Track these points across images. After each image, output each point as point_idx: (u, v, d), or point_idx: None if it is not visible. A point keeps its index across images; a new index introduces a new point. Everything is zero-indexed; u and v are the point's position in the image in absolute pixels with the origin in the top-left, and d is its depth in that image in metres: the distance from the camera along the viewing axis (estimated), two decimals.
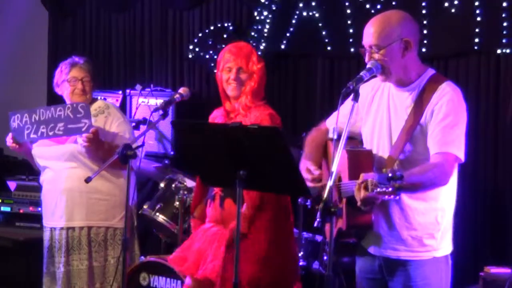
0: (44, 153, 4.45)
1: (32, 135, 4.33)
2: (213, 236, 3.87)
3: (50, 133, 4.29)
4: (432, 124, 3.10)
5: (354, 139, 3.37)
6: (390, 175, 2.78)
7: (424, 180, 3.00)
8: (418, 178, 2.96)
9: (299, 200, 4.38)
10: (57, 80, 4.49)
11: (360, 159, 3.16)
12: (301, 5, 5.39)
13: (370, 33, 3.15)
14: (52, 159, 4.41)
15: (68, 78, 4.42)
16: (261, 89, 3.99)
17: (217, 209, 3.92)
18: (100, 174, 4.24)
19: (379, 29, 3.14)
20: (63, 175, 4.38)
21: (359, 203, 2.97)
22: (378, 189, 2.81)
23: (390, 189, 2.79)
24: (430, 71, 3.23)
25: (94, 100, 4.52)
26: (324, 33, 5.31)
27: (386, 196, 2.84)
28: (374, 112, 3.28)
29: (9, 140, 4.39)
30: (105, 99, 5.20)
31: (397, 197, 2.85)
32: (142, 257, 4.66)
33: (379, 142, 3.23)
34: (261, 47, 5.57)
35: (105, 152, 4.22)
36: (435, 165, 3.05)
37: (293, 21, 5.43)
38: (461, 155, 3.10)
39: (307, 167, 3.31)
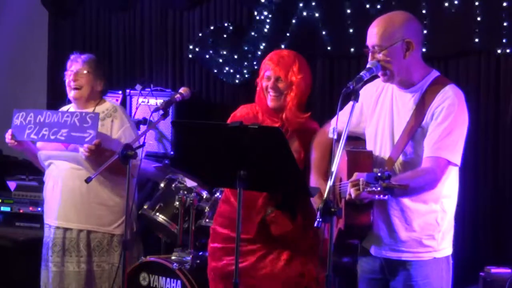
0: (50, 148, 4.44)
1: (32, 135, 4.32)
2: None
3: (52, 137, 4.26)
4: (430, 127, 3.11)
5: (360, 140, 3.38)
6: (378, 174, 2.80)
7: (414, 185, 3.00)
8: (409, 182, 2.95)
9: None
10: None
11: (360, 160, 3.17)
12: (301, 5, 5.38)
13: (373, 34, 3.17)
14: (57, 158, 4.41)
15: (66, 72, 4.43)
16: (303, 100, 3.86)
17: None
18: (101, 180, 4.24)
19: (382, 29, 3.15)
20: (65, 174, 4.37)
21: (347, 198, 2.98)
22: (368, 189, 2.83)
23: (378, 188, 2.80)
24: (434, 73, 3.24)
25: (102, 101, 4.49)
26: (324, 33, 5.31)
27: (376, 196, 2.84)
28: (378, 113, 3.29)
29: (7, 136, 4.38)
30: None
31: (386, 197, 2.85)
32: (142, 257, 4.66)
33: (382, 143, 3.24)
34: (261, 47, 5.56)
35: (106, 160, 4.19)
36: (427, 171, 3.06)
37: (293, 21, 5.43)
38: (455, 159, 3.11)
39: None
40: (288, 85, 3.80)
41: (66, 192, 4.37)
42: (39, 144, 4.47)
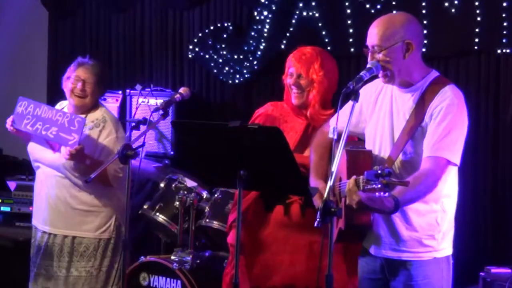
0: (37, 152, 4.43)
1: (28, 127, 4.31)
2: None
3: (43, 133, 4.27)
4: (429, 127, 3.11)
5: (360, 140, 3.38)
6: (378, 171, 2.79)
7: (416, 195, 3.03)
8: (411, 193, 2.97)
9: None
10: (65, 76, 4.46)
11: (359, 159, 3.17)
12: (301, 5, 5.38)
13: (373, 34, 3.17)
14: (44, 163, 4.41)
15: (71, 76, 4.39)
16: (328, 97, 3.88)
17: (292, 216, 3.87)
18: (84, 186, 4.24)
19: (382, 30, 3.15)
20: (51, 182, 4.37)
21: (348, 201, 2.98)
22: (368, 186, 2.83)
23: (378, 185, 2.80)
24: (434, 73, 3.24)
25: (97, 106, 4.44)
26: (324, 33, 5.31)
27: (376, 193, 2.83)
28: (377, 113, 3.29)
29: (8, 122, 4.37)
30: (104, 99, 5.18)
31: (386, 194, 2.83)
32: (142, 257, 4.66)
33: (381, 143, 3.24)
34: (261, 47, 5.57)
35: (86, 167, 4.18)
36: (426, 175, 3.05)
37: (293, 21, 5.43)
38: (454, 159, 3.11)
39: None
40: (309, 82, 3.84)
41: (51, 199, 4.37)
42: (30, 146, 4.46)
